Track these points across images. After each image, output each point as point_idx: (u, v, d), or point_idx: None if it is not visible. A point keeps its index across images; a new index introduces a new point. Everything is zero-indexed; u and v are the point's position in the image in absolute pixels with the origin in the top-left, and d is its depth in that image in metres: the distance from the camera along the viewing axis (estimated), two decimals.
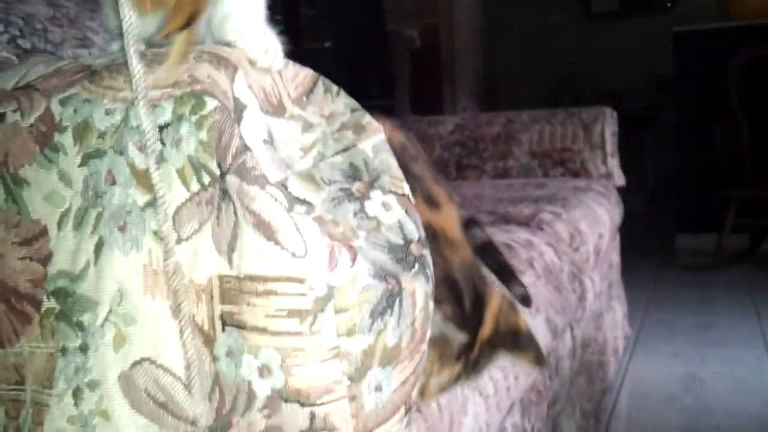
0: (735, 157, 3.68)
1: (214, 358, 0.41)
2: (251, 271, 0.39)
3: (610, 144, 2.36)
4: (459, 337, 0.65)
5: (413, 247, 0.50)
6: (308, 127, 0.52)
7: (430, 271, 0.50)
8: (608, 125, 2.37)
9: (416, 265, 0.49)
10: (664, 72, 4.21)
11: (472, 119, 2.58)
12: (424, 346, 0.48)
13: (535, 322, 1.04)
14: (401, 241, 0.50)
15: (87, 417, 0.42)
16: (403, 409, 0.45)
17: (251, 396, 0.40)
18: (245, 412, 0.40)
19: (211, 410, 0.41)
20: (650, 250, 3.81)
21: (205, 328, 0.41)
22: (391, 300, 0.43)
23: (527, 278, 1.14)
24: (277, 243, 0.39)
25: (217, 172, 0.40)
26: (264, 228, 0.39)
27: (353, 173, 0.52)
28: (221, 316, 0.41)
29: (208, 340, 0.41)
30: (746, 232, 3.67)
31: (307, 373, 0.40)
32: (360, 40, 4.84)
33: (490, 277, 0.74)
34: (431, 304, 0.48)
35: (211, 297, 0.41)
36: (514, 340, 0.69)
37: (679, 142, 4.00)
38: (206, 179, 0.41)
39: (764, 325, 2.52)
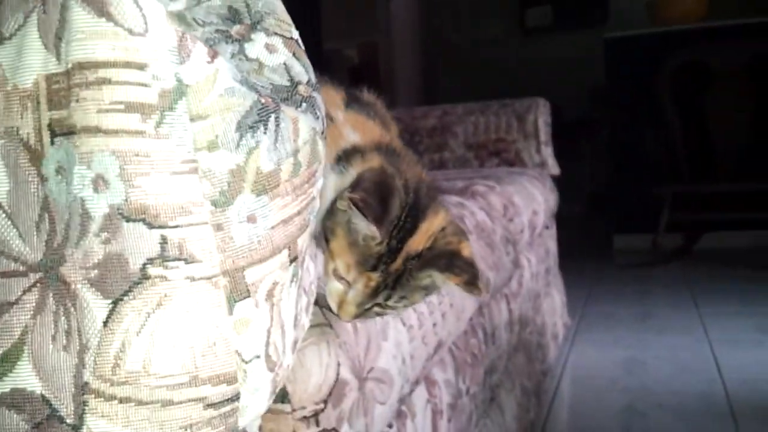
0: (668, 156, 3.75)
1: (42, 179, 0.33)
2: (79, 57, 0.32)
3: (544, 133, 2.35)
4: (375, 245, 0.58)
5: (301, 88, 0.43)
6: None
7: (321, 113, 0.43)
8: (541, 115, 2.36)
9: (303, 104, 0.43)
10: (598, 82, 4.27)
11: (407, 112, 2.54)
12: (313, 191, 0.40)
13: None
14: (287, 83, 0.43)
15: None
16: (285, 254, 0.38)
17: (85, 218, 0.32)
18: (80, 240, 0.33)
19: (40, 243, 0.33)
20: (589, 252, 3.82)
21: (31, 142, 0.33)
22: (264, 114, 0.36)
23: None
24: (109, 17, 0.31)
25: None
26: (94, 1, 0.31)
27: (232, 16, 0.45)
28: (49, 126, 0.33)
29: (35, 158, 0.34)
30: (680, 231, 3.72)
31: (155, 185, 0.32)
32: None
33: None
34: (322, 145, 0.42)
35: (38, 103, 0.33)
36: (449, 260, 0.62)
37: (614, 146, 4.06)
38: None
39: (702, 313, 2.53)
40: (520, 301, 1.53)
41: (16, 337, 0.31)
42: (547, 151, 2.34)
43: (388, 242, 0.58)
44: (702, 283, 3.02)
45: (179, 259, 0.33)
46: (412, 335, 0.72)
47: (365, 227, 0.57)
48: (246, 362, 0.35)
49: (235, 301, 0.35)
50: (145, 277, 0.32)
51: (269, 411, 0.51)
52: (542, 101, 2.40)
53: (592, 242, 4.07)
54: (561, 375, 2.00)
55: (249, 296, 0.35)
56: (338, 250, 0.59)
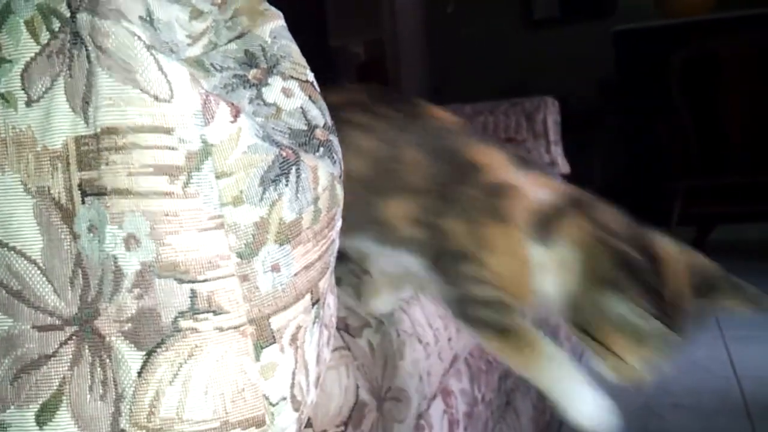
0: (679, 149, 3.74)
1: (75, 237, 0.35)
2: (108, 123, 0.33)
3: (553, 132, 2.36)
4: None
5: (318, 132, 0.45)
6: (197, 14, 0.46)
7: (338, 157, 0.45)
8: (550, 114, 2.36)
9: (321, 149, 0.44)
10: (606, 74, 4.26)
11: None
12: (333, 234, 0.42)
13: None
14: (304, 127, 0.45)
15: None
16: (308, 298, 0.39)
17: (118, 275, 0.34)
18: (113, 296, 0.34)
19: (75, 297, 0.35)
20: None
21: (63, 201, 0.35)
22: (285, 167, 0.38)
23: None
24: (135, 84, 0.33)
25: (68, 14, 0.34)
26: (119, 69, 0.33)
27: (249, 60, 0.47)
28: (80, 186, 0.35)
29: (67, 216, 0.35)
30: (693, 225, 3.72)
31: (184, 242, 0.34)
32: (304, 57, 4.80)
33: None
34: (339, 189, 0.43)
35: (68, 164, 0.35)
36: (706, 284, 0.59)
37: (624, 139, 4.05)
38: (56, 25, 0.35)
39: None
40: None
41: (55, 387, 0.33)
42: (557, 150, 2.34)
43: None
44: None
45: (208, 311, 0.35)
46: (428, 352, 0.74)
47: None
48: (273, 405, 0.36)
49: (262, 348, 0.36)
50: (176, 329, 0.33)
51: None
52: (551, 100, 2.40)
53: None
54: None
55: (275, 342, 0.37)
56: None
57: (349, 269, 0.68)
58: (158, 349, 0.33)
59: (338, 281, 0.64)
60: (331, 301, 0.48)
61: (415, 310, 0.73)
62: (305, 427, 0.54)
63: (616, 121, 4.19)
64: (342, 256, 0.53)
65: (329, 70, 5.03)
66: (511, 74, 4.94)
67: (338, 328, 0.59)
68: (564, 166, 2.35)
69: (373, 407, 0.59)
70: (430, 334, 0.75)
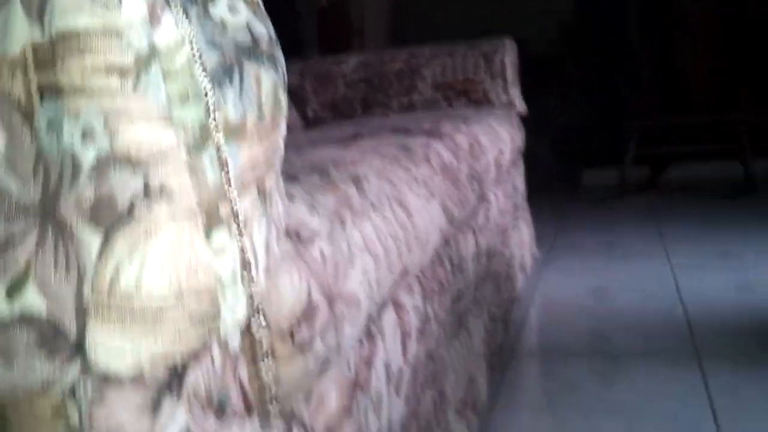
0: (637, 90, 3.81)
1: (35, 133, 0.39)
2: (62, 29, 0.37)
3: (511, 73, 2.40)
4: None
5: (263, 45, 0.49)
6: None
7: (282, 68, 0.49)
8: (508, 55, 2.40)
9: (265, 60, 0.48)
10: (567, 17, 4.28)
11: (375, 56, 2.56)
12: (278, 138, 0.46)
13: (431, 206, 1.05)
14: (249, 41, 0.48)
15: None
16: (255, 192, 0.43)
17: (76, 165, 0.38)
18: (72, 185, 0.38)
19: (37, 188, 0.38)
20: (558, 188, 3.92)
21: (23, 102, 0.39)
22: (228, 71, 0.42)
23: (423, 170, 1.14)
24: None
25: None
26: None
27: None
28: (39, 87, 0.38)
29: (27, 115, 0.39)
30: (647, 164, 3.82)
31: (136, 134, 0.38)
32: (266, 1, 4.74)
33: None
34: (284, 96, 0.47)
35: (26, 68, 0.38)
36: None
37: (583, 81, 4.11)
38: None
39: (666, 241, 2.64)
40: (487, 235, 1.61)
41: (22, 267, 0.37)
42: (514, 91, 2.39)
43: None
44: (666, 212, 3.13)
45: (161, 197, 0.39)
46: (378, 265, 0.79)
47: None
48: (224, 284, 0.41)
49: (212, 232, 0.40)
50: (131, 213, 0.38)
51: (248, 330, 0.57)
52: (509, 42, 2.43)
53: (560, 178, 4.16)
54: (530, 302, 2.10)
55: (224, 227, 0.41)
56: None
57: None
58: (116, 232, 0.38)
59: (291, 198, 0.68)
60: (279, 201, 0.52)
61: (366, 226, 0.78)
62: (263, 327, 0.59)
63: (576, 63, 4.24)
64: None
65: (291, 15, 4.97)
66: (473, 18, 4.93)
67: (289, 236, 0.64)
68: (521, 106, 2.40)
69: (324, 308, 0.64)
70: (380, 248, 0.80)
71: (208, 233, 0.40)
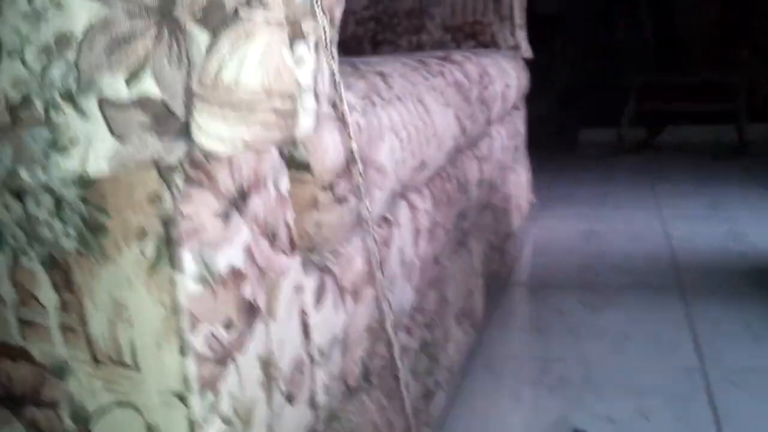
0: (637, 48, 3.85)
1: None
2: None
3: (519, 17, 2.43)
4: None
5: None
6: None
7: None
8: None
9: None
10: None
11: None
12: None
13: (446, 112, 1.11)
14: None
15: (39, 10, 0.43)
16: (327, 21, 0.49)
17: None
18: None
19: None
20: (556, 146, 3.98)
21: None
22: None
23: (439, 81, 1.19)
24: None
25: None
26: None
27: None
28: None
29: None
30: (644, 125, 3.88)
31: None
32: None
33: None
34: None
35: None
36: None
37: (584, 40, 4.15)
38: None
39: (658, 193, 2.71)
40: (489, 167, 1.67)
41: (141, 59, 0.42)
42: (521, 35, 2.43)
43: None
44: (660, 170, 3.21)
45: (259, 6, 0.44)
46: (402, 146, 0.85)
47: None
48: (302, 89, 0.47)
49: (295, 43, 0.46)
50: (236, 16, 0.43)
51: (295, 178, 0.64)
52: None
53: (559, 137, 4.22)
54: (524, 241, 2.18)
55: (305, 41, 0.47)
56: None
57: None
58: (222, 32, 0.43)
59: None
60: (332, 57, 0.58)
61: (392, 112, 0.83)
62: (306, 171, 0.65)
63: (577, 20, 4.27)
64: None
65: None
66: None
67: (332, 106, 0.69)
68: (527, 51, 2.44)
69: (359, 168, 0.70)
70: (404, 133, 0.86)
71: (292, 44, 0.46)
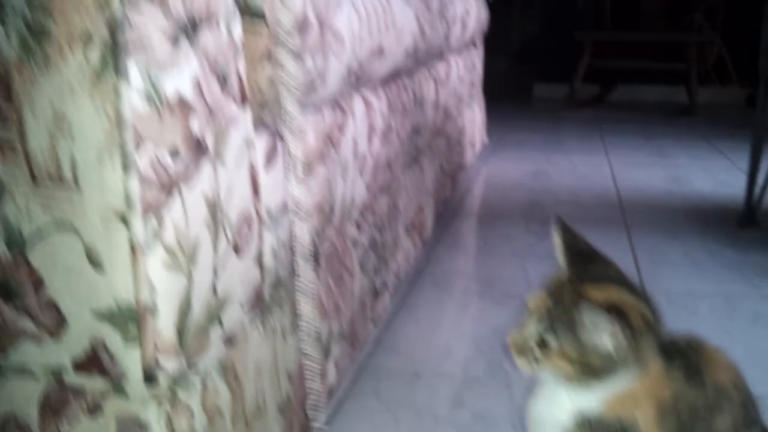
0: (592, 5, 3.88)
1: None
2: None
3: None
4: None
5: None
6: None
7: None
8: None
9: None
10: None
11: None
12: None
13: (406, 9, 1.09)
14: None
15: None
16: None
17: None
18: None
19: None
20: (511, 99, 4.00)
21: None
22: None
23: None
24: None
25: None
26: None
27: None
28: None
29: None
30: (597, 82, 3.93)
31: None
32: None
33: None
34: None
35: None
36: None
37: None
38: None
39: (607, 143, 2.76)
40: (445, 93, 1.67)
41: None
42: None
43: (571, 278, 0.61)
44: (611, 123, 3.26)
45: None
46: (360, 22, 0.84)
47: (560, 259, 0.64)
48: None
49: None
50: None
51: (250, 29, 0.62)
52: None
53: (515, 91, 4.24)
54: (476, 176, 2.20)
55: None
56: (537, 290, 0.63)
57: None
58: None
59: None
60: None
61: None
62: (262, 22, 0.63)
63: None
64: None
65: None
66: None
67: None
68: (482, 12, 2.42)
69: (316, 29, 0.69)
70: (362, 9, 0.84)
71: None
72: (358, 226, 1.00)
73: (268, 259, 0.69)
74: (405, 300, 1.28)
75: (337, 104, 0.87)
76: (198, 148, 0.55)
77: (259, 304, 0.69)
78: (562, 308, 0.60)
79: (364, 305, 1.01)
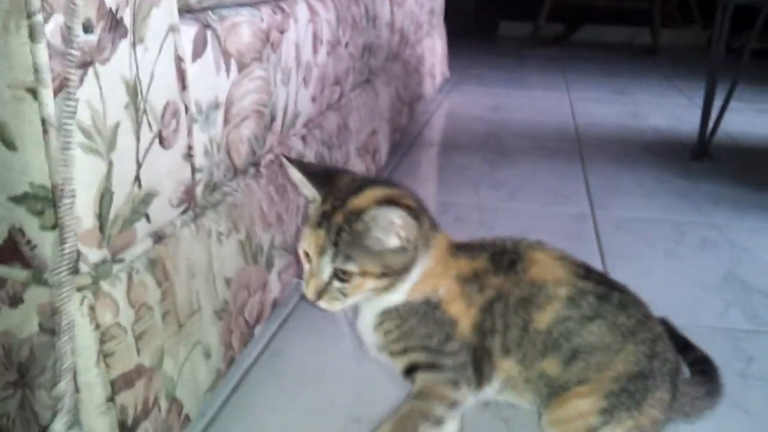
0: None
1: None
2: None
3: None
4: (319, 205, 0.62)
5: None
6: None
7: None
8: None
9: None
10: None
11: None
12: None
13: None
14: None
15: None
16: None
17: None
18: None
19: None
20: (476, 37, 3.96)
21: None
22: None
23: None
24: None
25: None
26: None
27: None
28: None
29: None
30: (561, 21, 3.90)
31: None
32: None
33: None
34: None
35: None
36: (389, 200, 0.60)
37: None
38: None
39: (568, 81, 2.75)
40: (401, 14, 1.63)
41: None
42: None
43: (330, 202, 0.61)
44: (573, 62, 3.24)
45: None
46: None
47: (309, 192, 0.63)
48: None
49: None
50: None
51: None
52: None
53: (479, 28, 4.19)
54: (434, 109, 2.18)
55: None
56: (304, 233, 0.62)
57: None
58: None
59: None
60: None
61: None
62: None
63: None
64: None
65: None
66: None
67: None
68: None
69: None
70: None
71: None
72: (304, 140, 0.98)
73: (199, 158, 0.67)
74: None
75: (278, 6, 0.84)
76: (114, 24, 0.52)
77: (191, 204, 0.67)
78: (341, 232, 0.59)
79: None
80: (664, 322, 0.71)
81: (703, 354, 0.70)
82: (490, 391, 0.65)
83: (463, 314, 0.62)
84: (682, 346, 0.71)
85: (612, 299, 0.62)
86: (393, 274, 0.61)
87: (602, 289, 0.62)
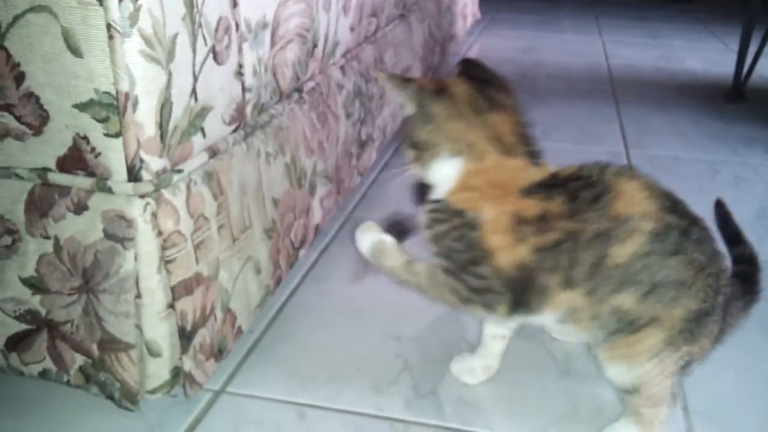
0: None
1: None
2: None
3: None
4: None
5: None
6: None
7: None
8: None
9: None
10: None
11: None
12: None
13: None
14: None
15: None
16: None
17: None
18: None
19: None
20: None
21: None
22: None
23: None
24: None
25: None
26: None
27: None
28: None
29: None
30: None
31: None
32: None
33: None
34: None
35: None
36: None
37: None
38: None
39: (601, 26, 2.71)
40: None
41: None
42: None
43: None
44: (607, 5, 3.19)
45: None
46: None
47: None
48: None
49: None
50: None
51: None
52: None
53: None
54: (466, 51, 2.16)
55: None
56: None
57: None
58: None
59: None
60: None
61: None
62: None
63: None
64: None
65: None
66: None
67: None
68: None
69: None
70: None
71: None
72: (343, 70, 0.99)
73: (249, 77, 0.69)
74: (390, 158, 1.29)
75: None
76: None
77: (242, 122, 0.69)
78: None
79: (350, 154, 1.01)
80: (720, 205, 0.70)
81: (750, 252, 0.68)
82: (552, 318, 0.63)
83: (506, 250, 0.61)
84: (733, 238, 0.69)
85: (692, 234, 0.60)
86: (416, 147, 0.65)
87: (685, 223, 0.60)
